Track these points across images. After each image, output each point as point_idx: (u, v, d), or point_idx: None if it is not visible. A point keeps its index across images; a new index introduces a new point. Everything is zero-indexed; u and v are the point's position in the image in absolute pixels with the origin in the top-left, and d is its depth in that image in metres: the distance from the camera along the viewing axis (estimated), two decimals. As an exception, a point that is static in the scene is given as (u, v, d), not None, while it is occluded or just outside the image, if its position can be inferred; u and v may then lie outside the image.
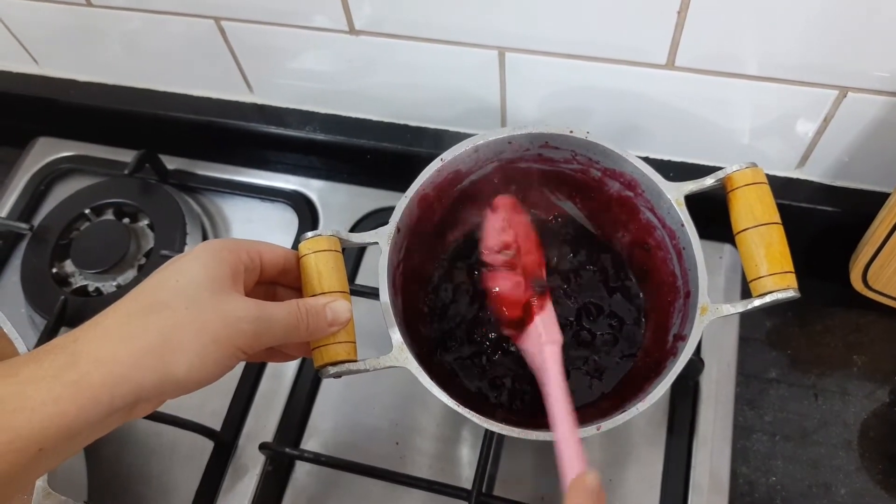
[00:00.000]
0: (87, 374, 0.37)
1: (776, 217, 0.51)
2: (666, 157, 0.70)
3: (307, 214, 0.77)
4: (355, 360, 0.48)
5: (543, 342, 0.54)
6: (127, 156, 0.78)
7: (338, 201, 0.78)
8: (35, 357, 0.38)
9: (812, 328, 0.68)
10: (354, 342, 0.49)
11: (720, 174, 0.53)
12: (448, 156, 0.56)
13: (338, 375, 0.48)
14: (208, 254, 0.43)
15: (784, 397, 0.65)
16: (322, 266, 0.49)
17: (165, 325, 0.39)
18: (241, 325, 0.41)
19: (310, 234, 0.50)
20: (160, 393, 0.40)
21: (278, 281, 0.49)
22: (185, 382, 0.40)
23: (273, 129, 0.78)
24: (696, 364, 0.62)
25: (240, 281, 0.44)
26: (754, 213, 0.51)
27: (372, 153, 0.76)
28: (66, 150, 0.85)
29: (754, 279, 0.50)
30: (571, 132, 0.56)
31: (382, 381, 0.66)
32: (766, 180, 0.52)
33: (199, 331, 0.40)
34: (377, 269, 0.52)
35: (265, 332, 0.43)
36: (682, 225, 0.53)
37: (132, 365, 0.38)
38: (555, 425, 0.48)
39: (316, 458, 0.61)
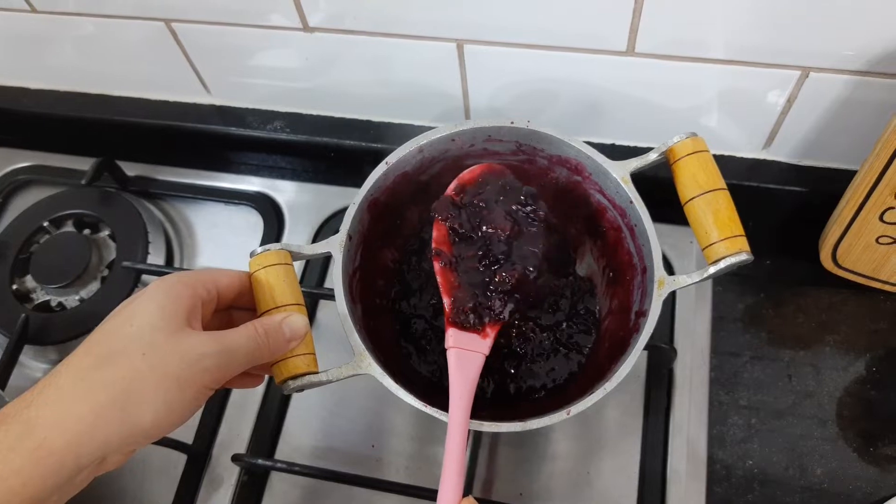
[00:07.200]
0: (47, 440, 0.36)
1: (721, 183, 0.51)
2: (632, 144, 0.69)
3: (272, 216, 0.75)
4: (316, 372, 0.48)
5: (448, 345, 0.50)
6: (85, 164, 0.76)
7: (303, 201, 0.77)
8: None
9: (785, 308, 0.68)
10: (314, 353, 0.48)
11: (662, 147, 0.53)
12: (393, 159, 0.56)
13: (300, 389, 0.47)
14: (162, 293, 0.42)
15: (758, 378, 0.64)
16: (273, 280, 0.48)
17: (124, 376, 0.38)
18: (203, 363, 0.40)
19: (259, 249, 0.49)
20: (128, 444, 0.39)
21: (234, 304, 0.48)
22: (153, 431, 0.39)
23: (233, 130, 0.76)
24: (668, 353, 0.62)
25: (197, 316, 0.43)
26: (698, 181, 0.51)
27: (336, 150, 0.75)
28: (23, 160, 0.83)
29: (707, 246, 0.50)
30: (512, 123, 0.55)
31: (355, 385, 0.64)
32: (707, 148, 0.52)
33: (161, 377, 0.38)
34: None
35: (229, 364, 0.42)
36: (631, 202, 0.53)
37: (94, 421, 0.37)
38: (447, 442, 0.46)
39: (290, 468, 0.60)
